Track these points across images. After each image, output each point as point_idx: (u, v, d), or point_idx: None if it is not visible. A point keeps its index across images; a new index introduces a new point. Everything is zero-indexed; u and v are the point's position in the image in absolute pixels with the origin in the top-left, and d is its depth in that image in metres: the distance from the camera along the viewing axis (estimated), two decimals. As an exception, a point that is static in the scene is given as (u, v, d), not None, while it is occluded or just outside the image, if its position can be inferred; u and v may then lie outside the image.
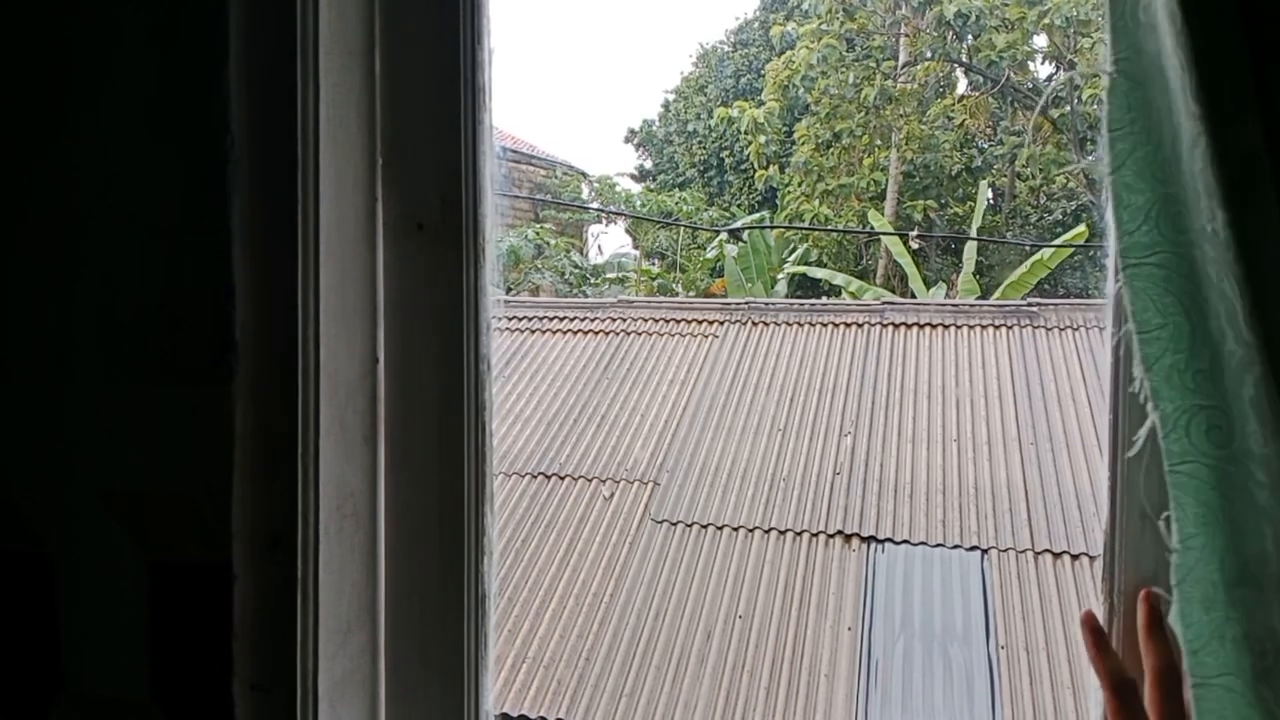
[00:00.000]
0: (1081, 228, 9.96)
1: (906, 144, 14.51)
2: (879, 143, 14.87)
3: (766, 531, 5.48)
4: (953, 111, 15.02)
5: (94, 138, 0.73)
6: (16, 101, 0.74)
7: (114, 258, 0.73)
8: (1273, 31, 0.59)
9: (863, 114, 14.60)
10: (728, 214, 17.22)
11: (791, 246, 14.13)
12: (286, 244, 0.70)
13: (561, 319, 7.86)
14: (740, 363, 7.02)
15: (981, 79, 14.96)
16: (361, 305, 0.77)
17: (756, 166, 16.27)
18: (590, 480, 6.11)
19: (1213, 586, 0.60)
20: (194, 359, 0.71)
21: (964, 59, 14.76)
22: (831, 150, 15.11)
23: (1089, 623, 0.71)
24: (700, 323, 7.56)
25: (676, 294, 13.81)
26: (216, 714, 0.71)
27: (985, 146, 15.55)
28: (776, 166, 16.16)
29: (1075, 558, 5.02)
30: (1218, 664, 0.59)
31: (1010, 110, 15.22)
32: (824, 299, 11.55)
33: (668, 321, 7.66)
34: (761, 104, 15.74)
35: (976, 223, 12.34)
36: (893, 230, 12.94)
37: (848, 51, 14.88)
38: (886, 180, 14.87)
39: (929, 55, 14.77)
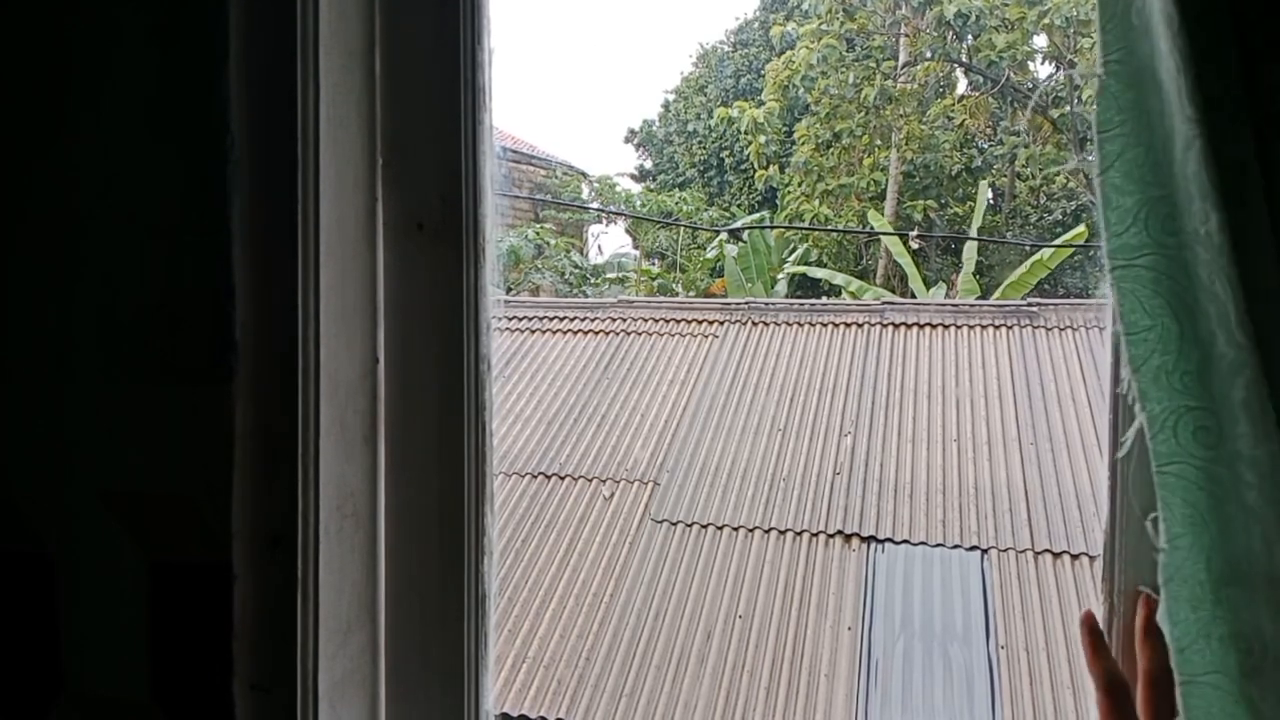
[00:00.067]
0: (1081, 228, 9.96)
1: (906, 144, 14.51)
2: (879, 143, 14.88)
3: (766, 531, 5.49)
4: (953, 111, 15.02)
5: (94, 138, 0.73)
6: (16, 101, 0.74)
7: (114, 258, 0.73)
8: (1261, 36, 0.60)
9: (863, 114, 14.60)
10: (728, 214, 17.22)
11: (791, 246, 14.14)
12: (286, 244, 0.70)
13: (561, 319, 7.86)
14: (740, 363, 7.02)
15: (981, 79, 14.96)
16: (361, 305, 0.77)
17: (756, 166, 16.27)
18: (590, 480, 6.11)
19: (1200, 586, 0.60)
20: (194, 359, 0.71)
21: (964, 59, 14.76)
22: (831, 150, 15.11)
23: (1087, 623, 0.71)
24: (700, 323, 7.57)
25: (676, 294, 13.81)
26: (216, 714, 0.71)
27: (985, 146, 15.55)
28: (776, 166, 16.17)
29: (1075, 558, 5.02)
30: (1205, 662, 0.60)
31: (1010, 110, 15.22)
32: (824, 299, 11.55)
33: (668, 321, 7.66)
34: (761, 104, 15.75)
35: (976, 223, 12.35)
36: (893, 230, 12.94)
37: (848, 51, 14.88)
38: (886, 180, 14.88)
39: (929, 55, 14.77)
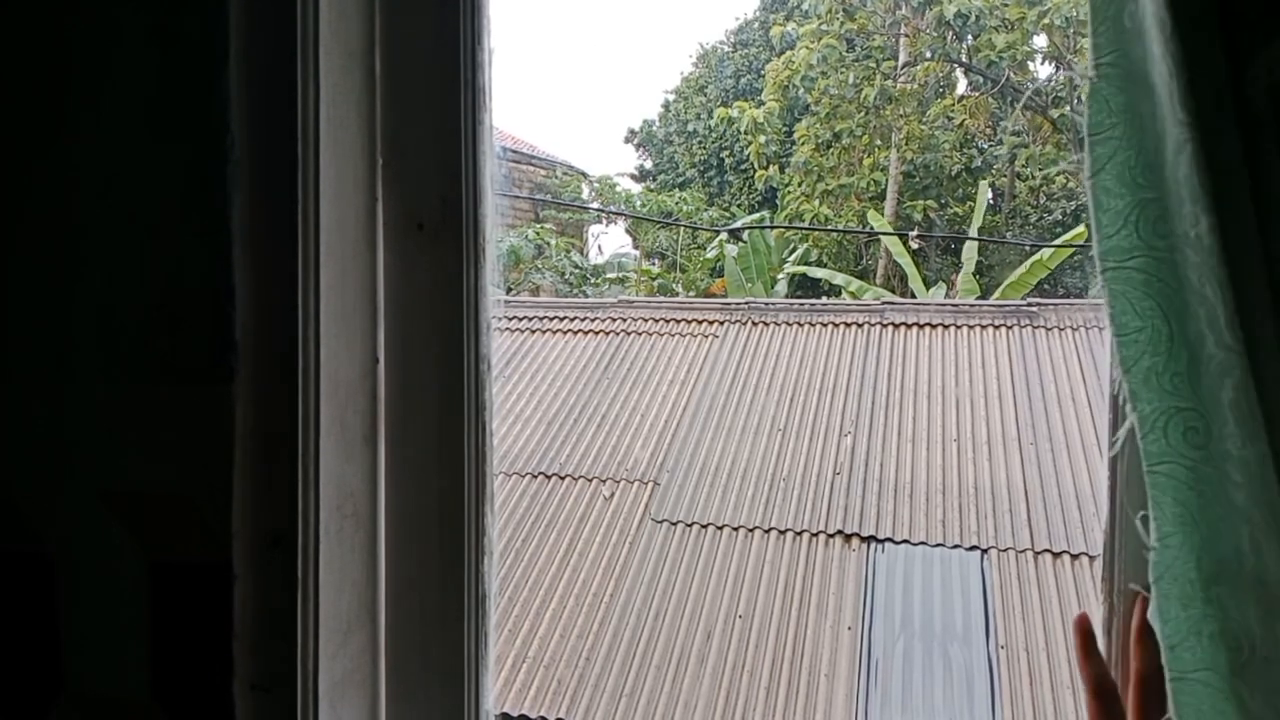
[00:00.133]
0: (1081, 228, 9.96)
1: (906, 144, 14.52)
2: (879, 143, 14.88)
3: (766, 531, 5.49)
4: (953, 111, 15.02)
5: (94, 138, 0.73)
6: (16, 101, 0.74)
7: (114, 258, 0.73)
8: (1249, 40, 0.60)
9: (863, 114, 14.61)
10: (728, 214, 17.22)
11: (791, 246, 14.14)
12: (286, 244, 0.70)
13: (561, 319, 7.86)
14: (740, 363, 7.02)
15: (981, 79, 14.97)
16: (361, 305, 0.77)
17: (756, 166, 16.27)
18: (590, 480, 6.11)
19: (1190, 584, 0.61)
20: (194, 359, 0.71)
21: (964, 59, 14.76)
22: (831, 150, 15.11)
23: (1079, 626, 0.72)
24: (700, 323, 7.57)
25: (676, 294, 13.81)
26: (217, 714, 0.71)
27: (985, 146, 15.56)
28: (776, 166, 16.17)
29: (1075, 558, 5.02)
30: (1195, 659, 0.60)
31: (1010, 110, 15.22)
32: (824, 299, 11.55)
33: (668, 321, 7.66)
34: (761, 104, 15.75)
35: (977, 223, 12.34)
36: (893, 230, 12.94)
37: (848, 51, 14.88)
38: (886, 180, 14.88)
39: (929, 55, 14.77)
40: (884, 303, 7.79)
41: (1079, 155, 0.65)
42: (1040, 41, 13.78)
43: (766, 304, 7.93)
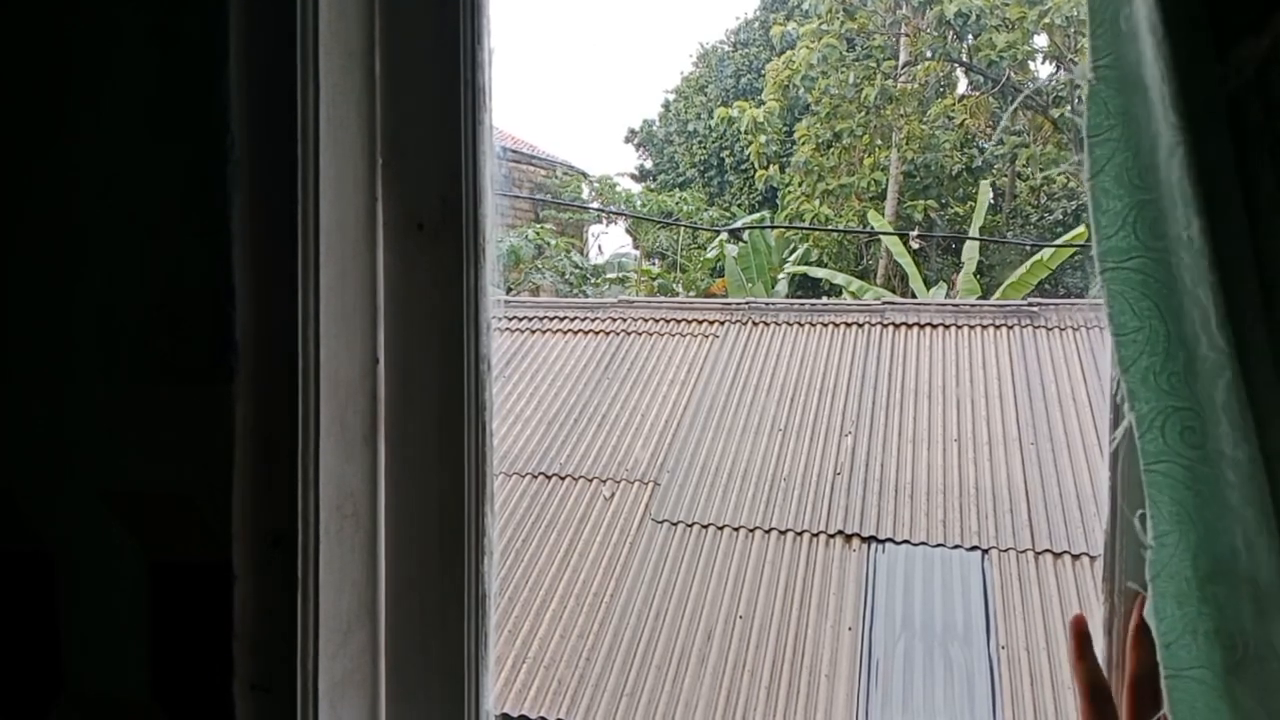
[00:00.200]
0: (1081, 228, 9.96)
1: (907, 144, 14.52)
2: (879, 142, 14.88)
3: (767, 532, 5.48)
4: (953, 111, 15.02)
5: (94, 138, 0.73)
6: (16, 101, 0.74)
7: (114, 258, 0.73)
8: (1241, 44, 0.60)
9: (863, 114, 14.61)
10: (728, 214, 17.22)
11: (792, 246, 14.14)
12: (286, 244, 0.70)
13: (562, 319, 7.86)
14: (740, 363, 7.02)
15: (981, 79, 14.96)
16: (361, 305, 0.77)
17: (757, 166, 16.27)
18: (590, 480, 6.11)
19: (1186, 582, 0.61)
20: (194, 359, 0.71)
21: (964, 59, 14.76)
22: (832, 150, 15.11)
23: (1075, 628, 0.73)
24: (700, 323, 7.57)
25: (677, 294, 13.81)
26: (217, 714, 0.71)
27: (985, 146, 15.56)
28: (777, 166, 16.17)
29: (1075, 558, 5.02)
30: (1190, 657, 0.61)
31: (1011, 110, 15.21)
32: (824, 299, 11.55)
33: (668, 321, 7.66)
34: (761, 104, 15.75)
35: (977, 223, 12.34)
36: (893, 230, 12.95)
37: (848, 51, 14.88)
38: (887, 180, 14.88)
39: (929, 55, 14.77)
40: (884, 303, 7.79)
41: (1079, 156, 0.66)
42: (1041, 41, 13.78)
43: (767, 304, 7.93)
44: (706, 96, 20.77)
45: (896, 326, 7.10)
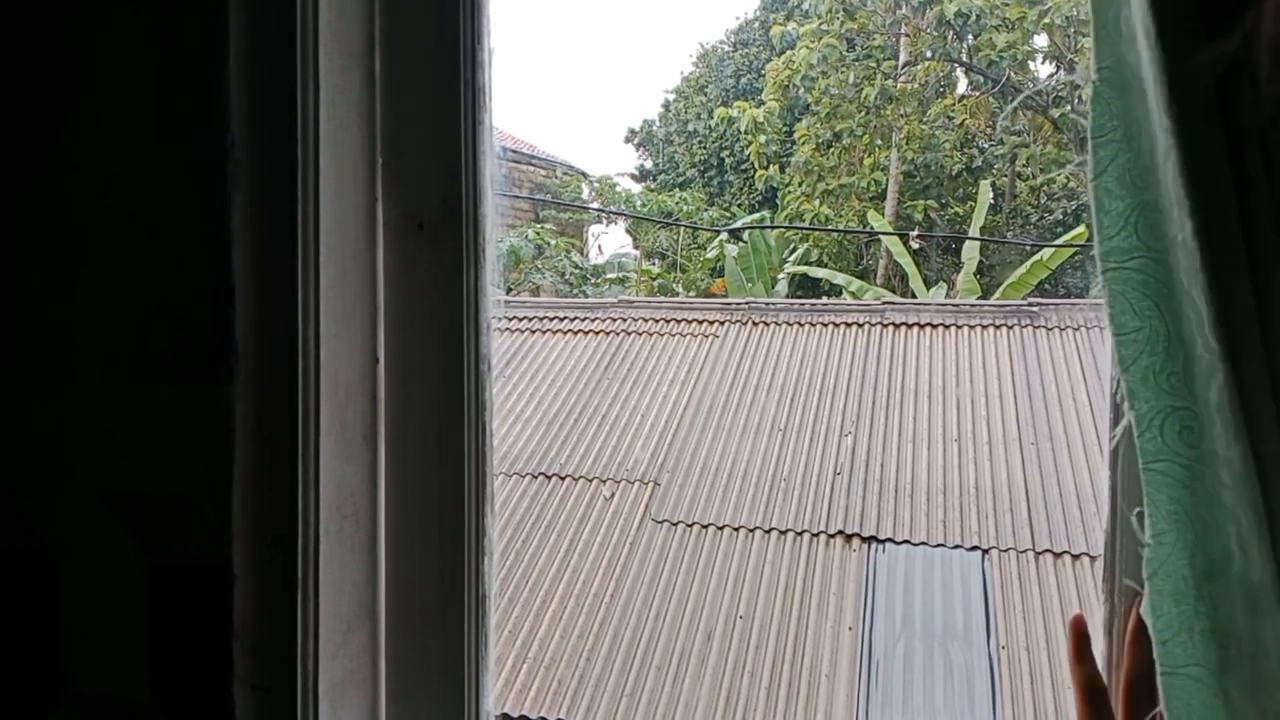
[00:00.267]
0: (1082, 228, 9.96)
1: (907, 144, 14.52)
2: (879, 142, 14.88)
3: (767, 532, 5.48)
4: (953, 111, 15.02)
5: (94, 138, 0.73)
6: (16, 101, 0.74)
7: (114, 258, 0.73)
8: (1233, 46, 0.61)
9: (863, 114, 14.61)
10: (728, 214, 17.22)
11: (792, 246, 14.14)
12: (286, 244, 0.70)
13: (562, 319, 7.86)
14: (740, 363, 7.02)
15: (981, 79, 14.96)
16: (361, 305, 0.77)
17: (757, 166, 16.28)
18: (590, 480, 6.11)
19: (1183, 581, 0.62)
20: (194, 359, 0.71)
21: (964, 59, 14.76)
22: (832, 150, 15.11)
23: (1074, 628, 0.73)
24: (700, 323, 7.57)
25: (677, 294, 13.81)
26: (217, 714, 0.71)
27: (985, 146, 15.56)
28: (777, 166, 16.17)
29: (1075, 558, 5.02)
30: (1186, 655, 0.61)
31: (1011, 110, 15.22)
32: (824, 299, 11.55)
33: (668, 321, 7.66)
34: (761, 104, 15.76)
35: (978, 222, 12.34)
36: (893, 230, 12.95)
37: (848, 51, 14.88)
38: (887, 180, 14.88)
39: (929, 55, 14.77)
40: (884, 303, 7.79)
41: (1081, 157, 0.66)
42: (1041, 41, 13.79)
43: (767, 304, 7.94)
44: (706, 96, 20.77)
45: (896, 326, 7.10)
